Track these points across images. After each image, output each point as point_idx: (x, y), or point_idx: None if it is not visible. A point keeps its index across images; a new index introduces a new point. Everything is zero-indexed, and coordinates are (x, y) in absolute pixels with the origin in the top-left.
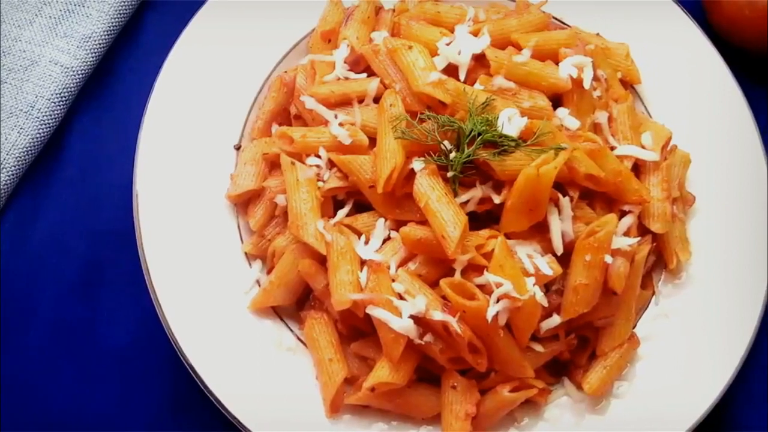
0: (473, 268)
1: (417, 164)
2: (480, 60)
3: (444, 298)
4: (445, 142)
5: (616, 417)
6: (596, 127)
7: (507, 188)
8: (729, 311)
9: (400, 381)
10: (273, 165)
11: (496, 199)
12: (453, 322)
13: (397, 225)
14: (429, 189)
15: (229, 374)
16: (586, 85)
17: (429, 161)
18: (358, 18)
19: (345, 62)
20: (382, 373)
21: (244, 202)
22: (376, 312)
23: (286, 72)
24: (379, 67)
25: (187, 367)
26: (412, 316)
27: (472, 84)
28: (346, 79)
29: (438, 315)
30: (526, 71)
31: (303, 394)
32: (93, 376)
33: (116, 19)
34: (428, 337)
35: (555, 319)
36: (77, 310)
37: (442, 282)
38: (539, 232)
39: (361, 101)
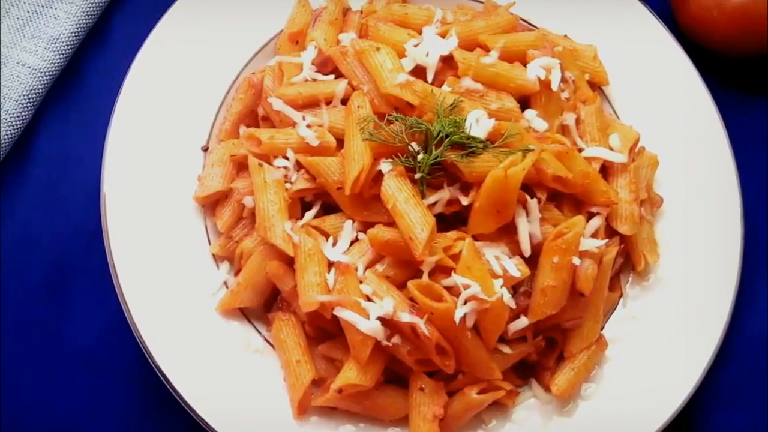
0: (441, 270)
1: (385, 166)
2: (448, 61)
3: (412, 300)
4: (413, 144)
5: (584, 419)
6: (564, 129)
7: (475, 190)
8: (697, 313)
9: (367, 383)
10: (241, 166)
11: (464, 201)
12: (421, 324)
13: (365, 227)
14: (397, 191)
15: (197, 376)
16: (554, 86)
17: (397, 163)
18: (326, 19)
19: (312, 64)
20: (349, 374)
21: (211, 204)
22: (344, 314)
23: (253, 73)
24: (347, 69)
25: (155, 369)
26: (379, 318)
27: (440, 85)
28: (314, 80)
29: (406, 317)
30: (494, 73)
31: (270, 396)
32: (60, 377)
33: (84, 21)
34: (396, 339)
35: (523, 321)
36: (44, 311)
37: (410, 284)
38: (507, 233)
39: (328, 103)
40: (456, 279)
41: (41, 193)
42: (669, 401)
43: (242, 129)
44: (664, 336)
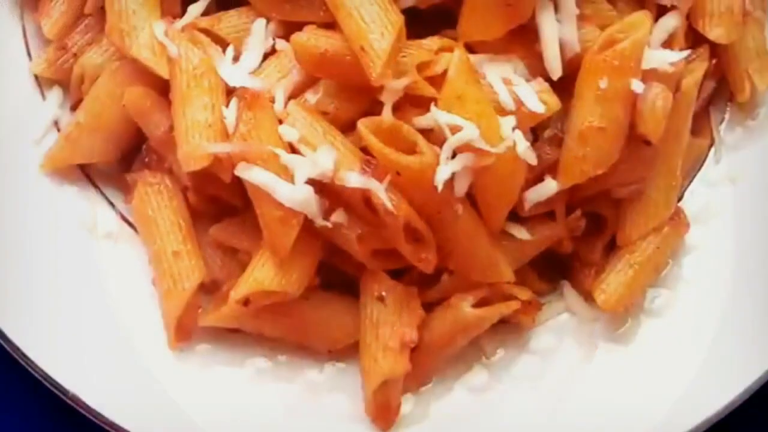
0: (413, 102)
1: None
2: None
3: (365, 151)
4: None
5: (652, 348)
6: None
7: None
8: None
9: (291, 288)
10: None
11: None
12: (380, 192)
13: (287, 30)
14: None
15: (13, 280)
16: None
17: None
18: None
19: None
20: (261, 274)
21: None
22: (253, 174)
23: None
24: None
25: None
26: (311, 181)
27: None
28: None
29: (354, 179)
30: None
31: (128, 311)
32: None
33: None
34: (338, 216)
35: (549, 186)
36: None
37: (361, 124)
38: (523, 41)
39: None
40: (438, 116)
41: None
42: None
43: None
44: None
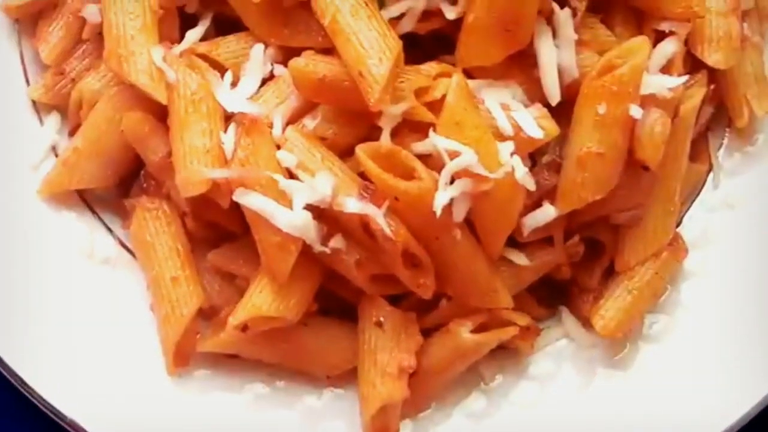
0: (412, 127)
1: None
2: None
3: (363, 176)
4: None
5: (650, 375)
6: None
7: None
8: None
9: (289, 314)
10: None
11: (450, 13)
12: (378, 217)
13: (285, 55)
14: None
15: (11, 302)
16: None
17: None
18: None
19: None
20: (260, 300)
21: (30, 18)
22: (251, 199)
23: None
24: None
25: None
26: (309, 207)
27: None
28: None
29: (353, 204)
30: None
31: (127, 337)
32: None
33: None
34: (336, 242)
35: (548, 212)
36: None
37: (360, 149)
38: (521, 67)
39: None
40: (437, 142)
41: None
42: None
43: None
44: None
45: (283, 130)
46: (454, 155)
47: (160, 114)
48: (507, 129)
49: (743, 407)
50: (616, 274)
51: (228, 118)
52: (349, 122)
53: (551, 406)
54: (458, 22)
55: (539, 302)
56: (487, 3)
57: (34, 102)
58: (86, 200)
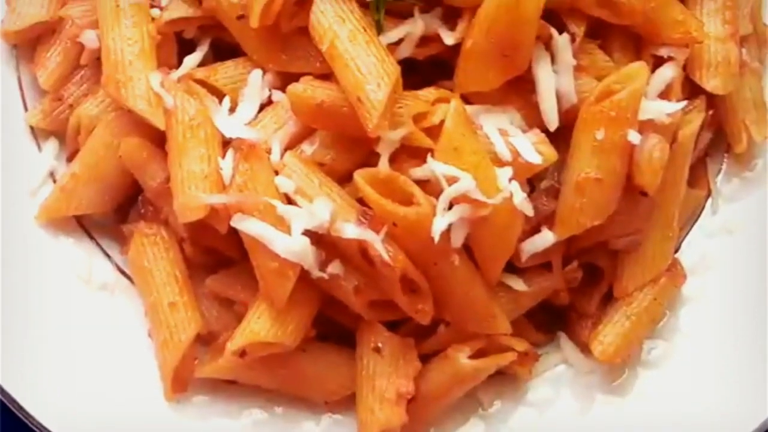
0: (410, 153)
1: None
2: None
3: (362, 202)
4: None
5: (648, 401)
6: None
7: (466, 20)
8: None
9: (287, 340)
10: None
11: (448, 39)
12: (376, 243)
13: (283, 81)
14: (336, 21)
15: (10, 331)
16: None
17: None
18: None
19: None
20: (258, 326)
21: (29, 44)
22: (249, 225)
23: None
24: None
25: None
26: (307, 233)
27: None
28: None
29: (351, 230)
30: None
31: (125, 363)
32: None
33: None
34: (335, 268)
35: (546, 238)
36: None
37: (358, 175)
38: (519, 93)
39: None
40: (435, 167)
41: None
42: None
43: None
44: None
45: (282, 155)
46: (452, 181)
47: (158, 139)
48: (505, 154)
49: None
50: (615, 300)
51: (226, 143)
52: (347, 148)
53: None
54: (456, 48)
55: (537, 328)
56: (486, 28)
57: (32, 127)
58: (84, 226)
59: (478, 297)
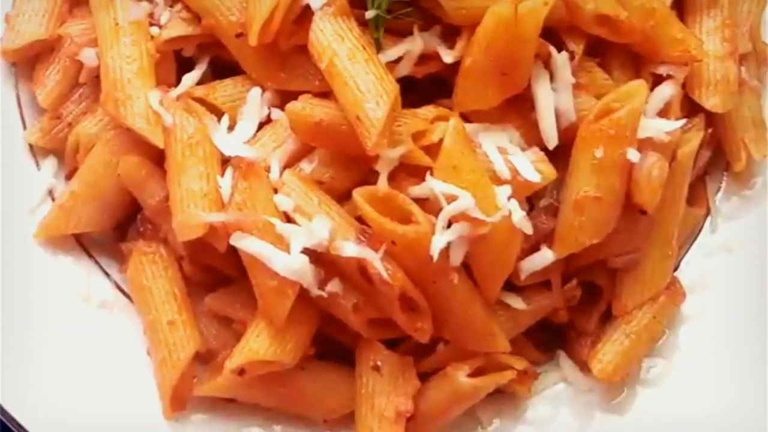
0: (409, 171)
1: None
2: None
3: (360, 220)
4: None
5: (647, 418)
6: None
7: (465, 38)
8: None
9: (286, 358)
10: (76, 0)
11: (447, 57)
12: (375, 261)
13: (282, 99)
14: (335, 39)
15: (7, 348)
16: None
17: None
18: None
19: None
20: (257, 344)
21: (27, 62)
22: (248, 243)
23: None
24: None
25: None
26: (306, 251)
27: None
28: None
29: (350, 248)
30: None
31: (124, 381)
32: None
33: None
34: (334, 286)
35: (545, 256)
36: None
37: (357, 193)
38: (519, 111)
39: None
40: (434, 186)
41: None
42: None
43: None
44: None
45: (281, 173)
46: (451, 199)
47: (157, 158)
48: (504, 173)
49: None
50: (614, 318)
51: (225, 161)
52: (346, 166)
53: None
54: (455, 66)
55: (536, 346)
56: (484, 47)
57: (31, 146)
58: (83, 244)
59: (477, 315)
